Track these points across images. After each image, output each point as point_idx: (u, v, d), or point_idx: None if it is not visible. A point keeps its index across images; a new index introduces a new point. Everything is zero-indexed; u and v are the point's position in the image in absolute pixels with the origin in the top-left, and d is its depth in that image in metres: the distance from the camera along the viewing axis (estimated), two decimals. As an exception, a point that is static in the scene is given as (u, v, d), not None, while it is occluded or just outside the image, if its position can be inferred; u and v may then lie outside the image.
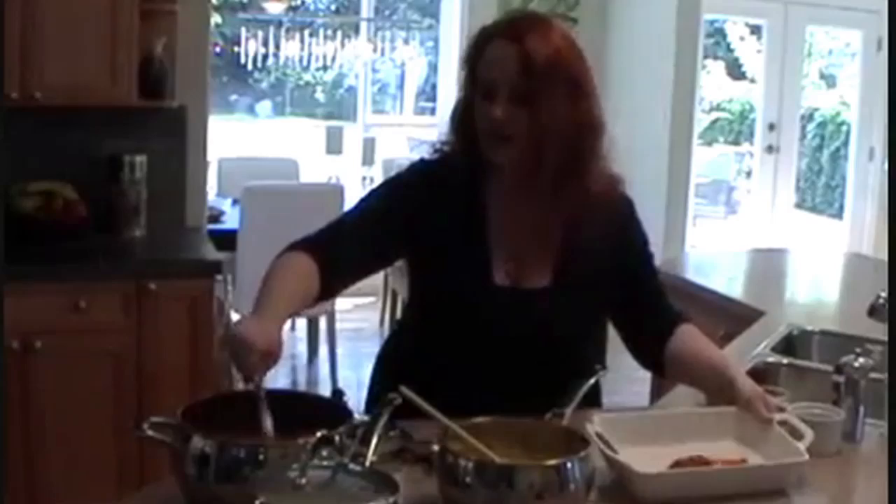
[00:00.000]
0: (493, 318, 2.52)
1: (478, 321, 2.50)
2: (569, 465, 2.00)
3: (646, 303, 2.71)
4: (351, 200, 6.79)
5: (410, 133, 12.18)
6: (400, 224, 2.59)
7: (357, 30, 10.69)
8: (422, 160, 2.73)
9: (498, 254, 2.61)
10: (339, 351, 6.90)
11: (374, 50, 10.55)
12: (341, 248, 2.53)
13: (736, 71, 14.76)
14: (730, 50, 14.92)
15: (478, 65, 2.51)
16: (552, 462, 2.00)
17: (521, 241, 2.62)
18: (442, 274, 2.59)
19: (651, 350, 2.68)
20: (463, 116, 2.58)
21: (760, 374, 3.14)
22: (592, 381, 2.39)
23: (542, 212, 2.59)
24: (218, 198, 7.23)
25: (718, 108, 14.93)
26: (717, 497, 2.22)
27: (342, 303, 7.00)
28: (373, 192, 2.73)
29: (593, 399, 2.62)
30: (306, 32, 10.93)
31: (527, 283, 2.62)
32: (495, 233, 2.62)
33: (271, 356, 2.19)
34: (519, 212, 2.61)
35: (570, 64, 2.49)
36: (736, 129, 14.66)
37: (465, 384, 2.42)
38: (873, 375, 2.64)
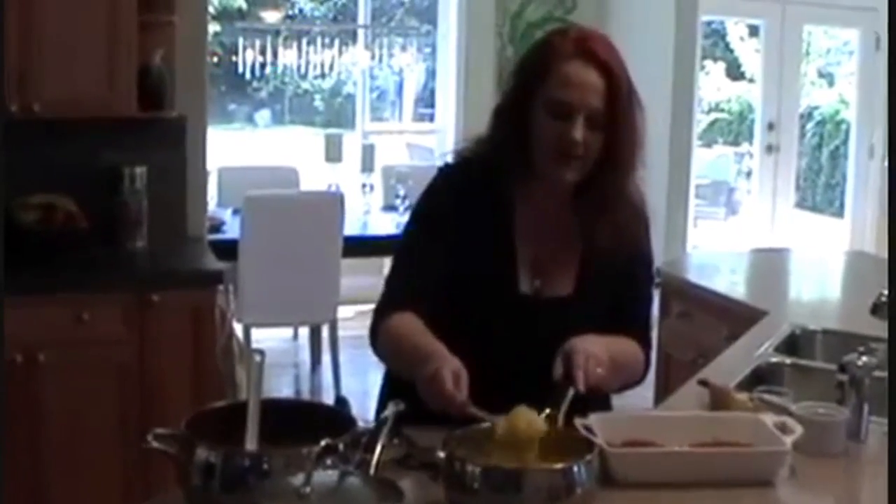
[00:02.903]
0: (516, 327, 2.52)
1: (500, 329, 2.49)
2: (575, 468, 2.00)
3: (624, 326, 2.68)
4: (351, 207, 6.83)
5: (410, 139, 12.16)
6: (445, 248, 2.60)
7: (354, 37, 10.69)
8: (447, 167, 2.73)
9: (523, 260, 2.63)
10: (342, 359, 6.89)
11: (372, 57, 10.54)
12: (425, 298, 2.55)
13: (735, 71, 14.75)
14: (729, 50, 14.92)
15: (546, 82, 2.50)
16: (559, 466, 2.01)
17: (545, 248, 2.64)
18: (468, 280, 2.58)
19: None
20: (515, 126, 2.56)
21: (764, 374, 3.14)
22: (573, 387, 2.38)
23: (568, 219, 2.63)
24: (218, 207, 7.22)
25: (717, 108, 14.92)
26: (699, 482, 2.25)
27: (344, 310, 6.99)
28: (412, 230, 2.75)
29: (604, 403, 2.66)
30: (304, 41, 10.92)
31: (550, 290, 2.64)
32: (521, 238, 2.63)
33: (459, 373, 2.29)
34: (546, 218, 2.64)
35: (633, 84, 2.56)
36: (735, 129, 14.64)
37: (479, 390, 2.39)
38: (877, 374, 2.64)
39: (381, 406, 2.76)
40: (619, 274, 2.65)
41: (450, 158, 2.74)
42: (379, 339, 2.59)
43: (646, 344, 2.73)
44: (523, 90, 2.55)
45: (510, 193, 2.62)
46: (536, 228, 2.63)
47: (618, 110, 2.50)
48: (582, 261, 2.65)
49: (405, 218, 7.32)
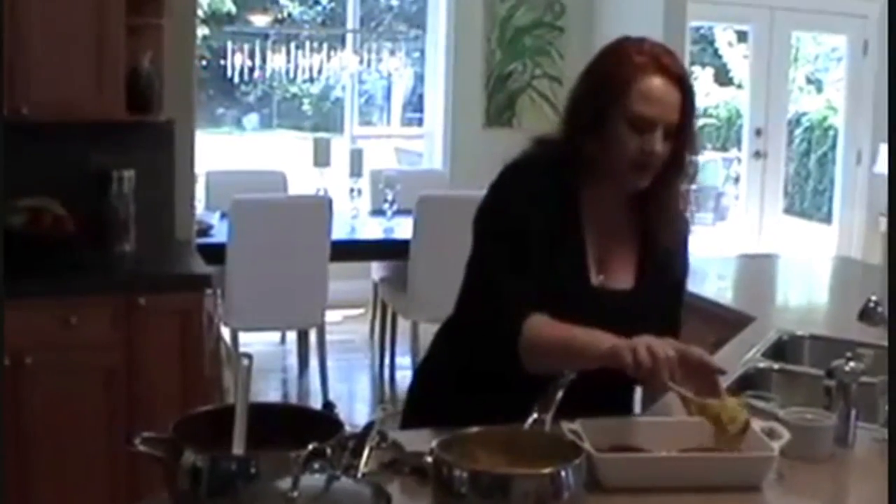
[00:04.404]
0: (589, 319, 2.56)
1: (571, 320, 2.54)
2: (563, 473, 2.00)
3: (673, 324, 2.78)
4: (339, 212, 6.83)
5: (398, 144, 12.16)
6: (535, 247, 2.65)
7: (343, 41, 10.67)
8: (516, 166, 2.76)
9: (591, 253, 2.71)
10: (330, 363, 6.88)
11: (361, 61, 10.52)
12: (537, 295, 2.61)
13: (723, 77, 14.78)
14: (717, 56, 14.94)
15: (627, 97, 2.58)
16: (547, 470, 2.01)
17: (609, 243, 2.73)
18: (545, 275, 2.63)
19: None
20: (591, 133, 2.63)
21: (752, 379, 3.14)
22: (564, 386, 2.38)
23: (627, 217, 2.75)
24: (206, 211, 7.20)
25: (705, 114, 14.94)
26: (686, 487, 2.25)
27: (331, 315, 6.99)
28: (504, 228, 2.71)
29: (626, 407, 2.86)
30: (292, 45, 10.89)
31: (613, 283, 2.73)
32: (589, 233, 2.71)
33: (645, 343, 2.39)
34: (609, 216, 2.74)
35: None
36: (723, 135, 14.67)
37: (537, 385, 2.43)
38: (864, 379, 2.64)
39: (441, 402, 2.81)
40: (669, 272, 2.79)
41: (516, 159, 2.77)
42: (527, 348, 2.57)
43: None
44: (602, 102, 2.62)
45: (578, 193, 2.71)
46: (600, 225, 2.72)
47: (689, 120, 2.62)
48: (640, 257, 2.76)
49: (393, 222, 7.35)
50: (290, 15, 15.02)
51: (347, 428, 2.09)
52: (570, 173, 2.68)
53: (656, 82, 2.58)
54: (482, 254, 2.73)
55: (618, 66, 2.63)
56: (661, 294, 2.76)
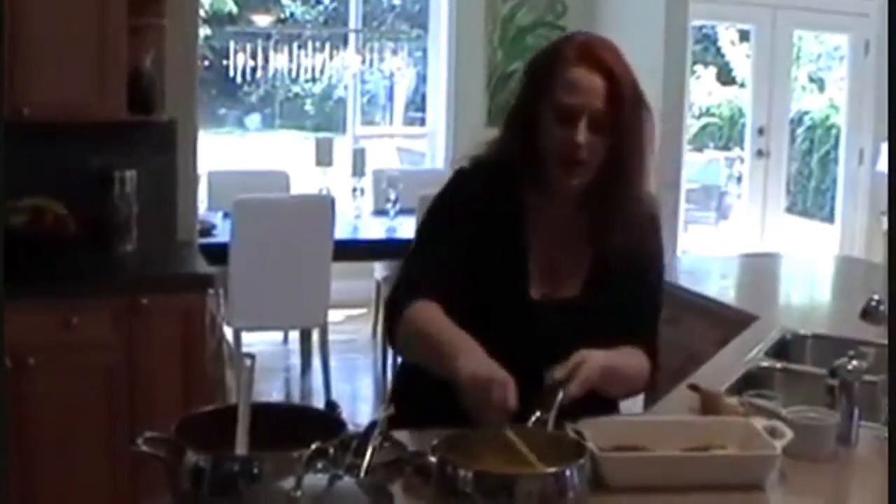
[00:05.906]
0: (520, 327, 2.55)
1: (503, 329, 2.51)
2: (568, 472, 2.00)
3: (630, 332, 2.67)
4: (341, 211, 6.82)
5: (400, 143, 12.15)
6: (461, 246, 2.63)
7: (345, 41, 10.67)
8: (462, 170, 2.74)
9: (534, 261, 2.65)
10: (332, 363, 6.88)
11: (363, 61, 10.53)
12: (443, 288, 2.57)
13: (726, 76, 14.77)
14: (720, 55, 14.93)
15: (551, 88, 2.53)
16: (551, 470, 2.00)
17: (557, 251, 2.67)
18: (479, 281, 2.61)
19: None
20: (524, 130, 2.59)
21: (755, 378, 3.14)
22: (565, 386, 2.37)
23: (579, 223, 2.65)
24: (208, 211, 7.20)
25: (708, 113, 14.92)
26: (689, 487, 2.25)
27: (334, 314, 6.99)
28: (429, 225, 2.77)
29: (611, 407, 2.71)
30: (295, 44, 10.89)
31: (559, 292, 2.66)
32: (533, 241, 2.66)
33: (509, 385, 2.24)
34: (558, 222, 2.66)
35: (640, 89, 2.59)
36: (726, 134, 14.66)
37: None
38: (867, 378, 2.64)
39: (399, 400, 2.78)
40: (627, 280, 2.66)
41: (465, 162, 2.74)
42: (401, 330, 2.57)
43: (652, 352, 2.70)
44: (531, 96, 2.59)
45: (523, 198, 2.65)
46: (548, 232, 2.66)
47: (620, 113, 2.51)
48: (591, 265, 2.67)
49: (396, 222, 7.35)
50: (292, 15, 15.03)
51: (350, 427, 2.08)
52: (516, 178, 2.64)
53: (577, 71, 2.51)
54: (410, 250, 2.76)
55: (545, 60, 2.60)
56: (620, 302, 2.64)
